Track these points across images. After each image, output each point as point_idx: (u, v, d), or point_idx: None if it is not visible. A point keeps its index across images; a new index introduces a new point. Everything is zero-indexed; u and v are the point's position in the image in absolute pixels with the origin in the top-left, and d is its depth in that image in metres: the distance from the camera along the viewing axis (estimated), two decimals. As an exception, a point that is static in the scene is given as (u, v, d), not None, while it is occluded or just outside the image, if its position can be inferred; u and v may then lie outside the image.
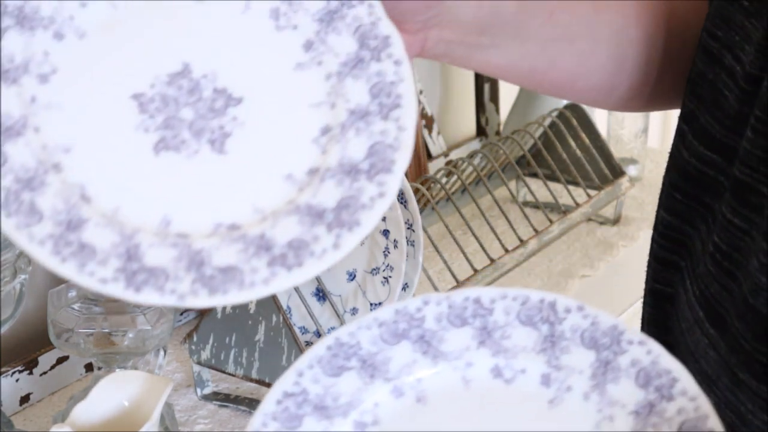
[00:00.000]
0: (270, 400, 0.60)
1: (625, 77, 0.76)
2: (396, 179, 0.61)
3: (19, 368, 1.16)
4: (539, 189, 1.57)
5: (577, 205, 1.49)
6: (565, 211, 1.46)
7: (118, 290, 0.57)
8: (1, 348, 1.15)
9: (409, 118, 0.62)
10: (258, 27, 0.64)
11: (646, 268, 0.81)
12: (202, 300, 0.58)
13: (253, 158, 0.62)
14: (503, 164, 1.57)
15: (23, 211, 0.58)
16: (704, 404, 0.58)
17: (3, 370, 1.15)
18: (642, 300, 0.82)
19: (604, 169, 1.57)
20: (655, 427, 0.59)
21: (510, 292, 0.62)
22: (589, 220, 1.63)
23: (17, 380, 1.16)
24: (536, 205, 1.56)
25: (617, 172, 1.58)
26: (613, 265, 1.53)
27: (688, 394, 0.59)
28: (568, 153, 1.57)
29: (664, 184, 0.76)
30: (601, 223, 1.64)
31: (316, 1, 0.64)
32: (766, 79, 0.64)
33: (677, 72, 0.78)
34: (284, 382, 0.61)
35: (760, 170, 0.64)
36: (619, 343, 0.61)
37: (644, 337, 0.60)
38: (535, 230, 1.42)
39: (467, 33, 0.68)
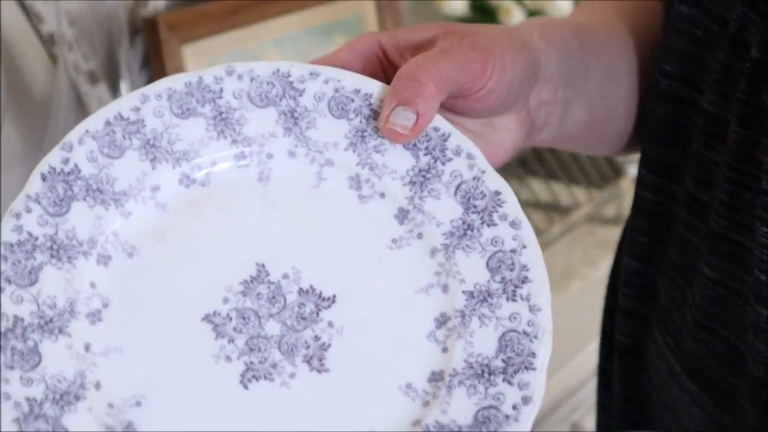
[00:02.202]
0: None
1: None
2: (541, 378, 0.49)
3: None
4: (540, 189, 1.57)
5: (578, 205, 1.48)
6: (566, 210, 1.46)
7: None
8: None
9: (542, 295, 0.51)
10: (338, 202, 0.53)
11: (601, 323, 0.77)
12: None
13: (362, 371, 0.50)
14: (504, 164, 1.57)
15: None
16: None
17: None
18: (599, 354, 0.78)
19: (605, 168, 1.56)
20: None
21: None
22: (590, 220, 1.63)
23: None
24: (537, 205, 1.56)
25: (618, 171, 1.58)
26: (615, 265, 1.52)
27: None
28: (570, 152, 1.56)
29: (625, 231, 0.73)
30: (603, 223, 1.63)
31: (403, 160, 0.52)
32: (733, 123, 0.59)
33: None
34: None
35: (737, 221, 0.60)
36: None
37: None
38: (536, 230, 1.41)
39: (557, 87, 0.62)
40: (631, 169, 1.76)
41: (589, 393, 1.25)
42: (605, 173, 1.56)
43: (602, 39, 0.66)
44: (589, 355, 1.27)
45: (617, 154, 0.75)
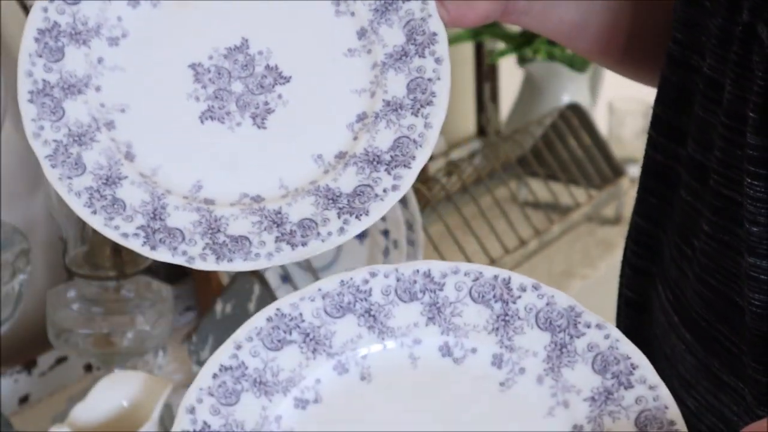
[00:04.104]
0: (206, 373, 0.58)
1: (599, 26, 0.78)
2: (412, 175, 0.63)
3: (18, 369, 1.16)
4: (540, 189, 1.57)
5: (578, 205, 1.48)
6: (565, 210, 1.46)
7: (136, 245, 0.62)
8: (0, 348, 1.15)
9: (437, 116, 0.64)
10: (319, 9, 0.66)
11: (619, 279, 0.80)
12: (208, 264, 0.62)
13: (290, 136, 0.65)
14: (504, 164, 1.57)
15: (69, 163, 0.63)
16: (664, 394, 0.56)
17: (2, 370, 1.15)
18: (616, 315, 0.81)
19: (605, 168, 1.57)
20: (612, 415, 0.57)
21: (462, 267, 0.60)
22: (590, 220, 1.63)
23: (16, 381, 1.16)
24: (537, 205, 1.56)
25: (618, 171, 1.58)
26: (614, 265, 1.52)
27: (647, 382, 0.57)
28: (569, 153, 1.56)
29: (638, 191, 0.77)
30: (602, 223, 1.64)
31: None
32: (727, 84, 0.63)
33: (647, 45, 0.78)
34: (221, 355, 0.58)
35: (730, 177, 0.64)
36: (576, 325, 0.58)
37: (602, 320, 0.58)
38: (536, 230, 1.41)
39: None
40: (631, 169, 1.76)
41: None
42: (605, 173, 1.56)
43: None
44: (588, 355, 1.27)
45: (604, 64, 0.83)
